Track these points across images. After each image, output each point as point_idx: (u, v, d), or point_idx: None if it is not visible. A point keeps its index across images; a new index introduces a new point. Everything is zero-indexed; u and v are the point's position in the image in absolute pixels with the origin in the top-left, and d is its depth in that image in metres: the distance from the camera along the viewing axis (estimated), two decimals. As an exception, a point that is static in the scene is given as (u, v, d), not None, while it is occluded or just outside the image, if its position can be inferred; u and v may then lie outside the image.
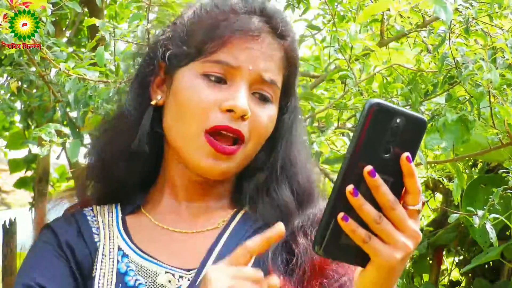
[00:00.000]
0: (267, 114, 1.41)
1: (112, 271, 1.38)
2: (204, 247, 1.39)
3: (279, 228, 1.16)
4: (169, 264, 1.38)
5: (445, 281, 4.42)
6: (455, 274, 4.49)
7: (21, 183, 4.32)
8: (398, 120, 1.13)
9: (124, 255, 1.40)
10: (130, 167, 1.45)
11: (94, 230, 1.44)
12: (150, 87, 1.45)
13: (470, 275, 4.25)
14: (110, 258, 1.39)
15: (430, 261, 4.25)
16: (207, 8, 1.43)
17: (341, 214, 1.12)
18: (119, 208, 1.47)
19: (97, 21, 2.18)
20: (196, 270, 1.36)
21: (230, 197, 1.47)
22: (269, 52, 1.40)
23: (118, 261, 1.39)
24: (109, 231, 1.43)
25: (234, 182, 1.47)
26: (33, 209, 4.12)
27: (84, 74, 2.15)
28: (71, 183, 4.52)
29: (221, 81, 1.39)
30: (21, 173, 4.27)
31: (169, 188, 1.46)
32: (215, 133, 1.38)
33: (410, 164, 1.13)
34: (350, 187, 1.12)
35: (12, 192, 7.40)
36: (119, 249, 1.41)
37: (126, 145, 1.44)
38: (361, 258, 1.15)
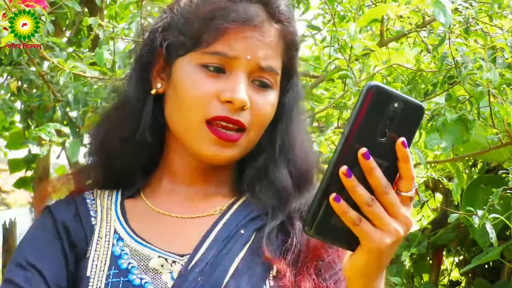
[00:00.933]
0: (267, 100, 1.41)
1: (107, 253, 1.39)
2: (199, 233, 1.38)
3: None
4: (162, 249, 1.38)
5: (445, 281, 4.42)
6: (455, 274, 4.49)
7: (21, 183, 4.32)
8: (396, 105, 1.12)
9: (120, 239, 1.40)
10: (132, 155, 1.46)
11: (92, 212, 1.44)
12: (151, 75, 1.45)
13: (470, 275, 4.24)
14: (105, 241, 1.40)
15: (430, 261, 4.24)
16: None
17: (333, 195, 1.12)
18: (119, 192, 1.48)
19: (90, 20, 2.18)
20: (189, 255, 1.36)
21: (231, 185, 1.47)
22: (267, 39, 1.39)
23: (113, 244, 1.40)
24: (106, 214, 1.44)
25: (235, 168, 1.47)
26: (33, 209, 4.12)
27: (83, 71, 2.15)
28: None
29: (220, 70, 1.38)
30: (21, 173, 4.26)
31: (169, 174, 1.47)
32: (216, 122, 1.38)
33: (405, 149, 1.12)
34: (344, 168, 1.11)
35: (12, 192, 7.40)
36: (115, 232, 1.41)
37: (129, 134, 1.44)
38: (351, 241, 1.15)
